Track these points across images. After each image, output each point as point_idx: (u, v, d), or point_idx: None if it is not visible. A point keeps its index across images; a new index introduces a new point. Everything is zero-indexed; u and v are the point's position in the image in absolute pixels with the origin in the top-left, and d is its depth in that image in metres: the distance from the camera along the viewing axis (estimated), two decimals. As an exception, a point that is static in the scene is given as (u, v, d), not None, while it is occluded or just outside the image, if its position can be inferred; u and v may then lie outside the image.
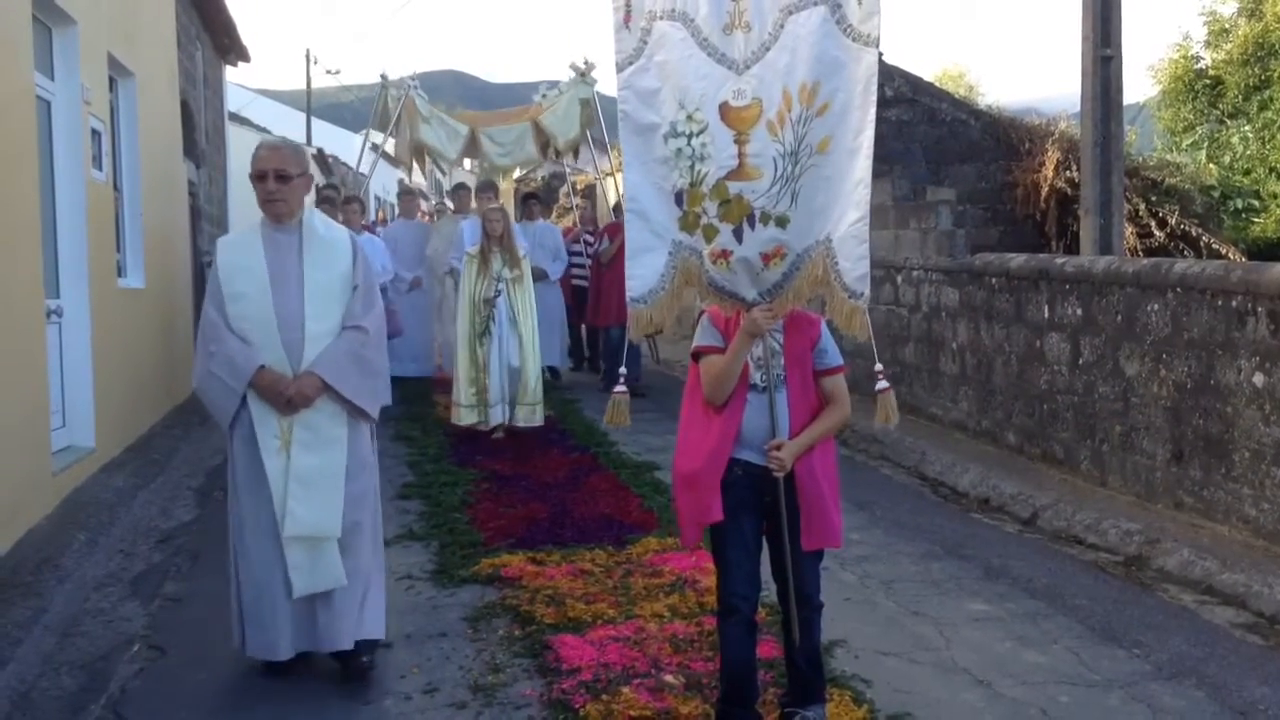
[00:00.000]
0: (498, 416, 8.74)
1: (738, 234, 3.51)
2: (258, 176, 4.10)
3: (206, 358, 4.10)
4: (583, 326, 13.27)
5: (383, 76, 13.22)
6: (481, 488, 7.15)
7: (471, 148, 12.86)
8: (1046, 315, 7.67)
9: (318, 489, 4.08)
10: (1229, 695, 4.12)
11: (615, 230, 11.47)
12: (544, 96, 13.35)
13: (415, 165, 13.56)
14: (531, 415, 8.85)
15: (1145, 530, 6.10)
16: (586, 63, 12.95)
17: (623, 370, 4.01)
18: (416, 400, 10.52)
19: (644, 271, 3.68)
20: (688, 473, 3.57)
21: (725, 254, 3.52)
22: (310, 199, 13.14)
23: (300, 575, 4.08)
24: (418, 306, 11.78)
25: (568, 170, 17.00)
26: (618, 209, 12.17)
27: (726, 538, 3.59)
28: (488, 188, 10.98)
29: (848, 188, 3.57)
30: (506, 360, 8.77)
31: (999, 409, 8.27)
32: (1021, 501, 6.89)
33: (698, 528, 3.62)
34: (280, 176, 4.11)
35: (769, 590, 5.08)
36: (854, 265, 3.59)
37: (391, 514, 6.61)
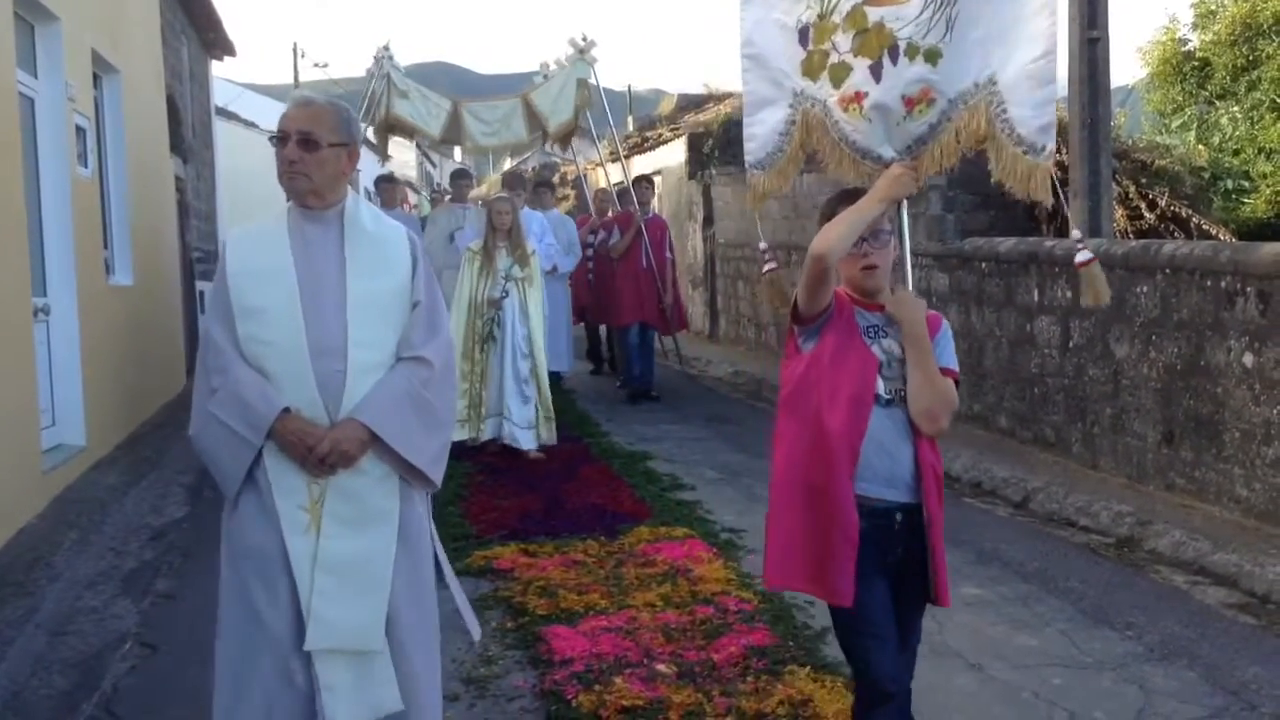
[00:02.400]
0: (494, 430, 7.78)
1: (875, 71, 2.91)
2: (278, 138, 2.99)
3: (207, 396, 2.95)
4: (600, 326, 12.38)
5: (375, 59, 11.78)
6: (475, 480, 7.14)
7: (454, 127, 11.58)
8: (1036, 299, 7.67)
9: (356, 584, 2.91)
10: (1221, 675, 4.13)
11: (626, 221, 10.96)
12: (545, 78, 12.12)
13: (392, 150, 12.42)
14: (547, 431, 7.90)
15: (1137, 512, 6.11)
16: (586, 39, 11.78)
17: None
18: None
19: (761, 130, 3.17)
20: (796, 523, 2.87)
21: (858, 97, 2.92)
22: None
23: (338, 700, 2.88)
24: None
25: (558, 160, 16.91)
26: (622, 196, 11.60)
27: (861, 615, 2.85)
28: (533, 181, 10.41)
29: (1024, 13, 2.91)
30: (514, 370, 7.81)
31: (990, 393, 8.27)
32: (1013, 485, 6.90)
33: (807, 585, 2.93)
34: (306, 141, 2.94)
35: (761, 579, 5.12)
36: (1033, 113, 2.95)
37: (384, 507, 6.62)
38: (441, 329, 3.07)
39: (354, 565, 2.92)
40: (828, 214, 2.88)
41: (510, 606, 4.82)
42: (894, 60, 2.89)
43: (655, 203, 11.92)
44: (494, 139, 11.98)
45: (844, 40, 2.92)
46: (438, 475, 3.05)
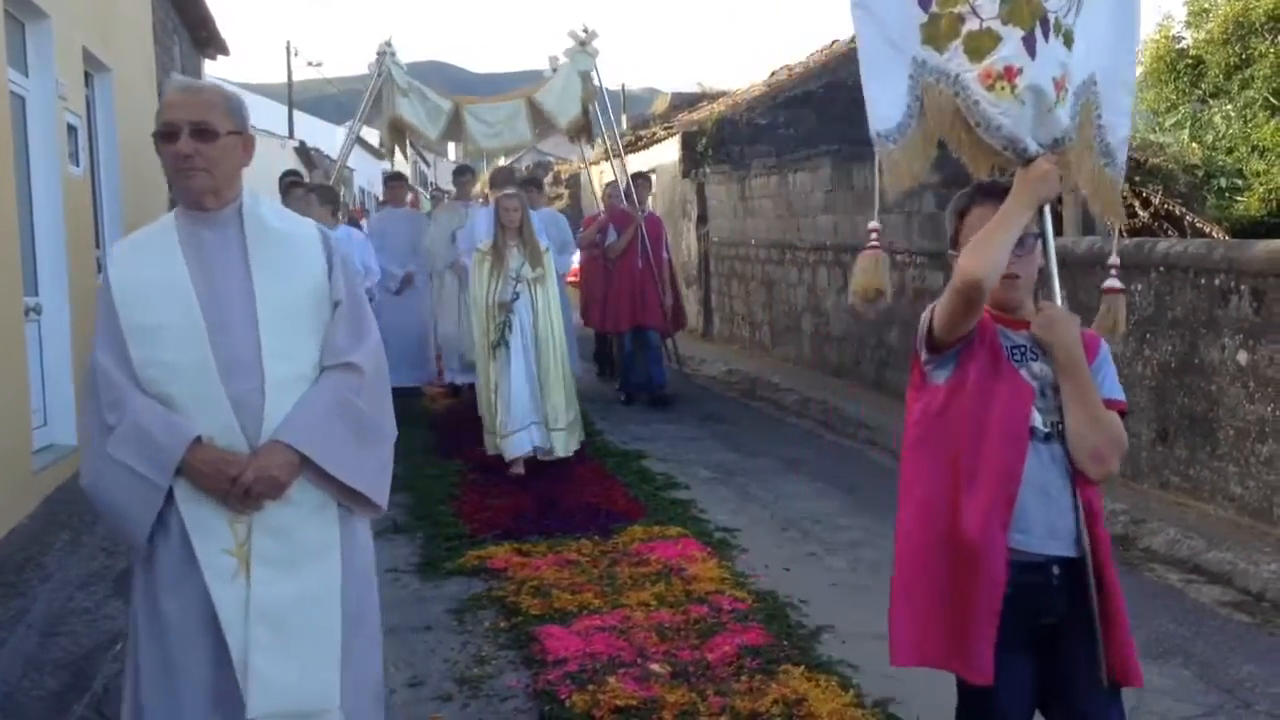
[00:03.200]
0: (520, 446, 7.12)
1: (1029, 45, 2.43)
2: (164, 135, 2.57)
3: (101, 437, 2.53)
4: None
5: (379, 54, 10.97)
6: (468, 479, 7.12)
7: (454, 128, 10.96)
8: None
9: (298, 634, 2.54)
10: (1216, 673, 4.13)
11: (623, 220, 10.49)
12: (555, 71, 11.41)
13: (398, 149, 11.64)
14: (567, 442, 7.29)
15: (1131, 510, 6.11)
16: (587, 30, 11.20)
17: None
18: (402, 394, 10.30)
19: (886, 94, 2.61)
20: (934, 588, 2.49)
21: (1009, 74, 2.43)
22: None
23: None
24: (412, 305, 10.40)
25: (551, 159, 16.81)
26: (623, 192, 11.07)
27: (992, 702, 2.51)
28: (520, 179, 9.79)
29: (1126, 14, 2.67)
30: (529, 376, 7.24)
31: (985, 391, 8.25)
32: (1008, 483, 6.88)
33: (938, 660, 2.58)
34: (201, 131, 2.55)
35: (756, 577, 5.12)
36: (1119, 121, 2.70)
37: (377, 507, 6.60)
38: (369, 330, 2.72)
39: (294, 612, 2.52)
40: (960, 210, 2.59)
41: (504, 606, 4.81)
42: (1045, 34, 2.44)
43: (650, 201, 11.36)
44: (496, 141, 11.37)
45: (989, 3, 2.43)
46: (381, 496, 2.72)
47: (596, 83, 11.18)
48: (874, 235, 2.83)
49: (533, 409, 7.18)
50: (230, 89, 2.76)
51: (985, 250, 2.38)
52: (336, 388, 2.62)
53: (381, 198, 11.98)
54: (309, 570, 2.57)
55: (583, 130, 11.47)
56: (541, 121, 11.07)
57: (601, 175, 14.93)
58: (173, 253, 2.61)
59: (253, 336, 2.55)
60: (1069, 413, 2.46)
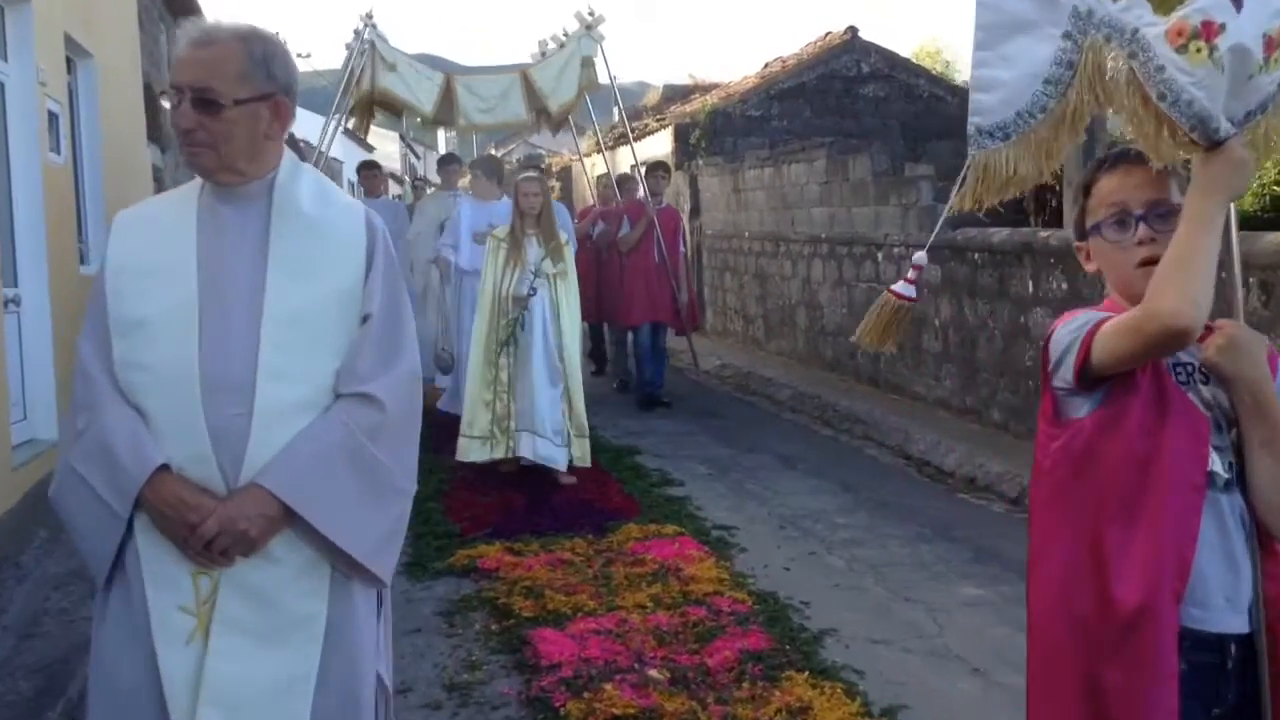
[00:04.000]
0: (528, 448, 6.55)
1: None
2: (173, 95, 2.15)
3: (69, 442, 2.18)
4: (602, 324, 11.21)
5: (355, 33, 10.19)
6: (457, 475, 6.95)
7: (446, 103, 10.13)
8: (1031, 290, 7.53)
9: None
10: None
11: (637, 211, 9.99)
12: (544, 55, 10.74)
13: (374, 140, 11.23)
14: (583, 448, 6.71)
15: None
16: (593, 14, 10.40)
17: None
18: None
19: (1005, 74, 2.00)
20: (1081, 680, 1.94)
21: (1209, 30, 1.84)
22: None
23: None
24: None
25: (543, 152, 16.61)
26: (621, 183, 10.72)
27: None
28: (531, 166, 9.35)
29: None
30: (544, 377, 6.63)
31: (984, 386, 8.14)
32: (1008, 480, 6.76)
33: None
34: (202, 101, 2.08)
35: (755, 578, 4.98)
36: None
37: (365, 504, 6.45)
38: (403, 356, 2.19)
39: (256, 699, 2.04)
40: (1087, 184, 2.05)
41: (495, 608, 4.66)
42: None
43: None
44: (489, 117, 10.48)
45: None
46: (386, 568, 2.21)
47: (603, 69, 10.50)
48: (913, 276, 2.32)
49: (540, 411, 6.56)
50: (266, 31, 2.19)
51: (1183, 282, 1.80)
52: (346, 424, 2.10)
53: (361, 191, 11.22)
54: (283, 647, 2.06)
55: (568, 118, 11.00)
56: (536, 100, 10.40)
57: (594, 168, 14.73)
58: (184, 230, 2.15)
59: (250, 347, 2.07)
60: (1253, 461, 1.92)
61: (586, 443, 6.74)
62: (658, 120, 18.04)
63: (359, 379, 2.14)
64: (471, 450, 6.64)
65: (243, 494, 2.04)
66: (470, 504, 6.26)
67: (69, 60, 8.58)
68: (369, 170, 10.84)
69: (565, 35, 10.50)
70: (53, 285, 7.44)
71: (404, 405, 2.20)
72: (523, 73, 10.35)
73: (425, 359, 9.65)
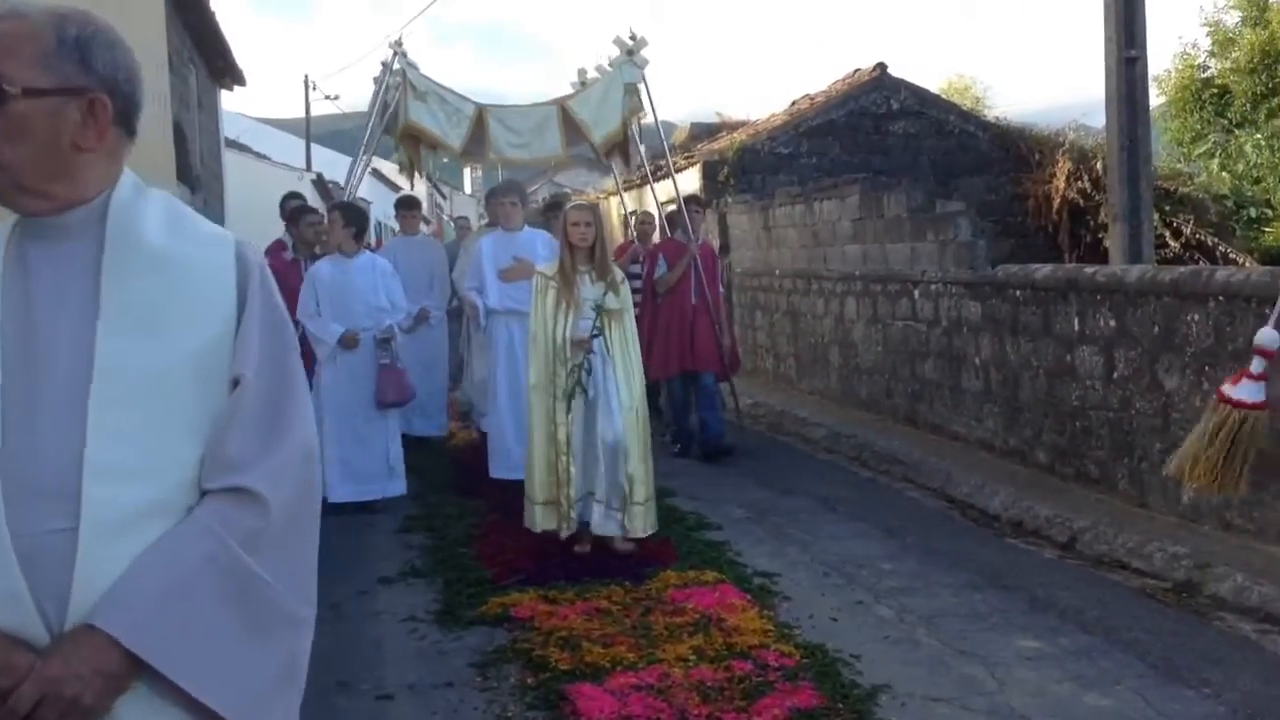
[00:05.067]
0: (594, 518, 5.87)
1: None
2: None
3: None
4: None
5: (383, 64, 9.52)
6: (489, 520, 6.77)
7: (477, 136, 9.38)
8: (1077, 328, 7.31)
9: None
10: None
11: (676, 251, 9.16)
12: (583, 84, 10.09)
13: (415, 166, 9.86)
14: (645, 518, 5.92)
15: (1193, 553, 5.73)
16: (635, 37, 9.63)
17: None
18: (414, 443, 8.87)
19: None
20: None
21: None
22: (272, 212, 9.69)
23: None
24: (428, 345, 9.34)
25: (568, 190, 16.41)
26: (673, 220, 9.91)
27: None
28: (546, 204, 8.53)
29: None
30: (606, 433, 5.85)
31: (1027, 427, 7.91)
32: (1058, 524, 6.52)
33: None
34: None
35: (802, 629, 4.77)
36: None
37: (394, 549, 6.29)
38: (289, 430, 1.65)
39: None
40: None
41: (530, 660, 4.45)
42: None
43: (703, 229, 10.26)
44: (523, 151, 9.68)
45: None
46: None
47: (645, 98, 9.71)
48: (1260, 369, 1.76)
49: (602, 479, 5.86)
50: (98, 17, 1.67)
51: None
52: (213, 531, 1.55)
53: (398, 228, 10.59)
54: None
55: (617, 149, 10.07)
56: (574, 134, 9.63)
57: (622, 207, 14.57)
58: None
59: (74, 434, 1.51)
60: None
61: (652, 507, 5.98)
62: (685, 157, 17.96)
63: (230, 467, 1.58)
64: (539, 517, 5.92)
65: (71, 643, 1.47)
66: (502, 549, 6.06)
67: (98, 100, 8.55)
68: (408, 210, 10.19)
69: (608, 65, 9.75)
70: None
71: (293, 500, 1.64)
72: (560, 104, 9.60)
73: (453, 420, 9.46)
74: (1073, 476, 7.37)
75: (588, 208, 6.29)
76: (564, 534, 5.88)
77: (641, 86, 9.65)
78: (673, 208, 10.16)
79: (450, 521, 6.78)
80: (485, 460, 8.01)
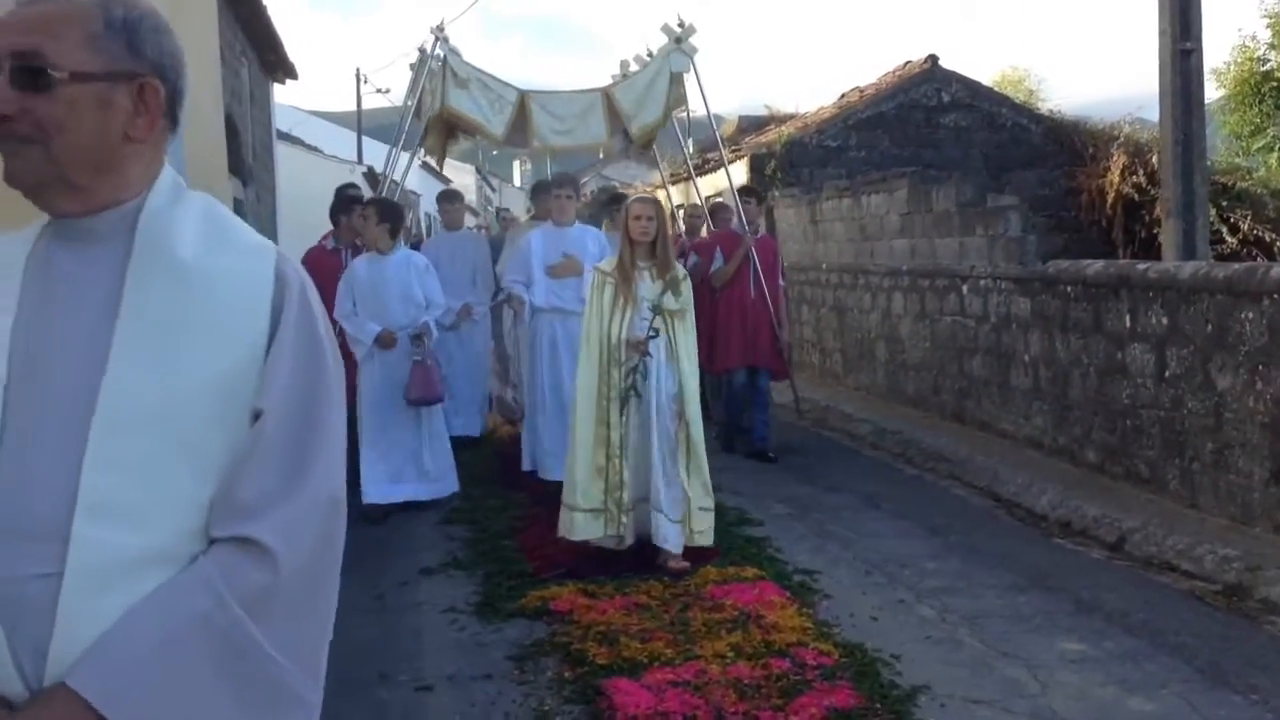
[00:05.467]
0: (656, 529, 5.58)
1: None
2: None
3: None
4: None
5: (421, 51, 9.22)
6: (531, 512, 6.80)
7: (520, 123, 8.98)
8: (1128, 325, 7.19)
9: None
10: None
11: (731, 242, 8.86)
12: (624, 76, 9.60)
13: (449, 172, 9.93)
14: (707, 527, 5.71)
15: (1244, 556, 5.62)
16: (683, 24, 9.14)
17: None
18: (458, 443, 8.82)
19: None
20: None
21: None
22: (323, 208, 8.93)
23: None
24: (470, 343, 9.15)
25: (615, 184, 16.29)
26: (715, 212, 9.63)
27: None
28: (603, 199, 8.06)
29: None
30: (661, 437, 5.60)
31: (1076, 425, 7.79)
32: (1106, 525, 6.43)
33: None
34: (26, 71, 1.39)
35: (841, 627, 4.73)
36: None
37: (437, 540, 6.33)
38: (310, 474, 1.43)
39: None
40: None
41: (568, 654, 4.46)
42: None
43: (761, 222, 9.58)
44: (567, 139, 9.25)
45: None
46: None
47: (696, 87, 9.20)
48: None
49: (657, 479, 5.58)
50: None
51: None
52: (213, 587, 1.35)
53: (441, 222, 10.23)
54: None
55: (652, 142, 9.78)
56: (618, 121, 9.26)
57: (669, 200, 14.51)
58: (8, 281, 1.45)
59: (71, 465, 1.34)
60: None
61: (711, 517, 5.73)
62: (733, 151, 17.90)
63: (239, 513, 1.39)
64: (579, 525, 5.60)
65: (42, 704, 1.30)
66: (543, 543, 6.07)
67: (152, 93, 8.66)
68: (450, 201, 9.82)
69: (650, 53, 9.32)
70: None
71: (309, 557, 1.43)
72: (605, 91, 9.21)
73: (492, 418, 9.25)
74: (1122, 476, 7.26)
75: (651, 201, 5.86)
76: (617, 544, 5.61)
77: (690, 76, 9.19)
78: (719, 199, 10.00)
79: (493, 514, 6.80)
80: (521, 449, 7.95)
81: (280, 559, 1.39)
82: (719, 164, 17.54)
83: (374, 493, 6.84)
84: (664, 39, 9.24)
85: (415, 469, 7.02)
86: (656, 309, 5.60)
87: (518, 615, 5.00)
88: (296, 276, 1.52)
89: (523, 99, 9.02)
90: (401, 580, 5.58)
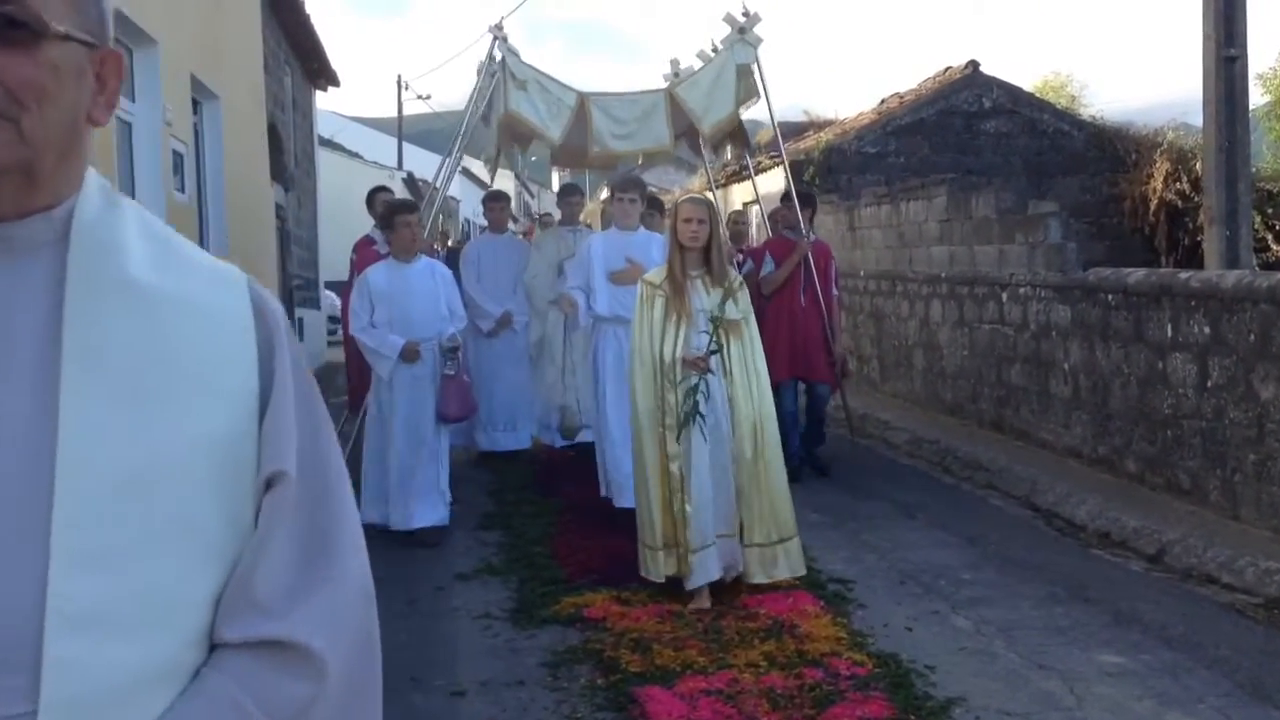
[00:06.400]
0: (713, 566, 5.02)
1: None
2: None
3: None
4: None
5: (490, 57, 8.52)
6: (565, 518, 6.82)
7: (578, 127, 8.45)
8: (1170, 334, 7.11)
9: None
10: None
11: (783, 248, 8.41)
12: (676, 75, 9.07)
13: (508, 158, 9.21)
14: (787, 559, 5.20)
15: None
16: (748, 13, 8.59)
17: None
18: (498, 457, 8.64)
19: None
20: None
21: None
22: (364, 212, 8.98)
23: None
24: (510, 353, 8.73)
25: (654, 189, 16.26)
26: (774, 218, 9.05)
27: None
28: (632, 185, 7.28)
29: None
30: (731, 465, 5.11)
31: (1117, 435, 7.71)
32: (1146, 536, 6.35)
33: None
34: (9, 24, 1.02)
35: (875, 638, 4.71)
36: None
37: (471, 545, 6.36)
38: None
39: None
40: None
41: (601, 661, 4.47)
42: None
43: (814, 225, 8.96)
44: (628, 143, 8.63)
45: None
46: None
47: (758, 80, 8.66)
48: None
49: (726, 516, 5.10)
50: None
51: None
52: (239, 710, 1.06)
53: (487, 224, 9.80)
54: None
55: (730, 138, 9.23)
56: (682, 123, 8.71)
57: (757, 189, 14.11)
58: None
59: (33, 562, 0.99)
60: None
61: (796, 547, 5.20)
62: (771, 157, 17.87)
63: (261, 610, 1.09)
64: (656, 563, 5.14)
65: None
66: (577, 549, 6.10)
67: (194, 101, 8.81)
68: (496, 202, 9.32)
69: (715, 47, 8.77)
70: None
71: (354, 657, 1.16)
72: (668, 91, 8.58)
73: (546, 419, 8.58)
74: (1163, 487, 7.17)
75: (703, 202, 5.30)
76: (693, 581, 5.05)
77: (755, 68, 8.60)
78: (776, 205, 9.62)
79: (528, 520, 6.83)
80: (566, 459, 7.98)
81: (325, 662, 1.10)
82: (762, 168, 17.52)
83: (397, 519, 6.40)
84: (726, 29, 8.63)
85: (431, 494, 6.50)
86: (715, 321, 5.01)
87: (551, 621, 5.01)
88: (275, 308, 1.22)
89: (582, 101, 8.43)
90: (437, 585, 5.62)
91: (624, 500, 6.32)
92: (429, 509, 6.46)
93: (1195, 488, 6.86)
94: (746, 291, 5.34)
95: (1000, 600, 5.30)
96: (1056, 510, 7.13)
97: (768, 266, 8.34)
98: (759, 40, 8.58)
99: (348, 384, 9.15)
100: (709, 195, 5.20)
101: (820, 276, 8.39)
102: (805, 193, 9.26)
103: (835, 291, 8.62)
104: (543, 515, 6.95)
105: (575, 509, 7.01)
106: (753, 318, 5.30)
